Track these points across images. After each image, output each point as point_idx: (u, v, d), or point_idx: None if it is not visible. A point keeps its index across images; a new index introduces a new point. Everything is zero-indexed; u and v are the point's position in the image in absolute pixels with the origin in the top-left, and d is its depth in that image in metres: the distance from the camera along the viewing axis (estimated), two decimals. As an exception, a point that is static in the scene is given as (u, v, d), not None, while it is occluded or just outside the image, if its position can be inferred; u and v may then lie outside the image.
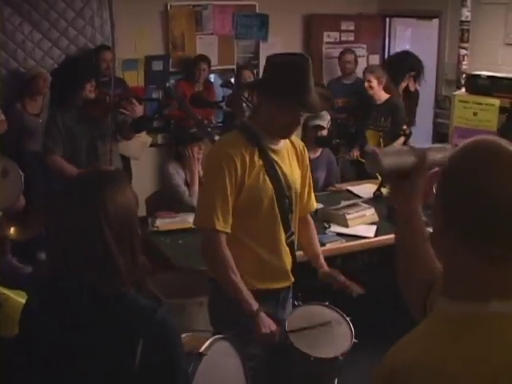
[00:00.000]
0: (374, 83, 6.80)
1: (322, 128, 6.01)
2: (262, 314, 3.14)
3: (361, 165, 6.61)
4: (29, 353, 2.06)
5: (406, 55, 7.80)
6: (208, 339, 2.81)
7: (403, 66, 7.37)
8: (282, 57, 3.22)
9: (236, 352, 3.02)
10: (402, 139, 6.42)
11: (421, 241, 1.93)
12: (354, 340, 3.20)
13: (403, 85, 7.40)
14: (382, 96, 6.84)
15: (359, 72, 7.92)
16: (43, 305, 2.06)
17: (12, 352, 2.03)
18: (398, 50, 9.26)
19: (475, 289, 1.47)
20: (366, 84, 6.88)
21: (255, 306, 3.15)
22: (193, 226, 4.92)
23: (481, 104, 5.77)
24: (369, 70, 7.06)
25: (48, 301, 2.05)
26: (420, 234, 1.94)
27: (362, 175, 6.37)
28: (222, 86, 6.75)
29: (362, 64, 8.40)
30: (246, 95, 7.31)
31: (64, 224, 2.04)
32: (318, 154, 6.12)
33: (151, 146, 7.97)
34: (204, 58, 7.82)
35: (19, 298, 3.51)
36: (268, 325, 3.12)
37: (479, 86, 5.83)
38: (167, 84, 5.26)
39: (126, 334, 1.95)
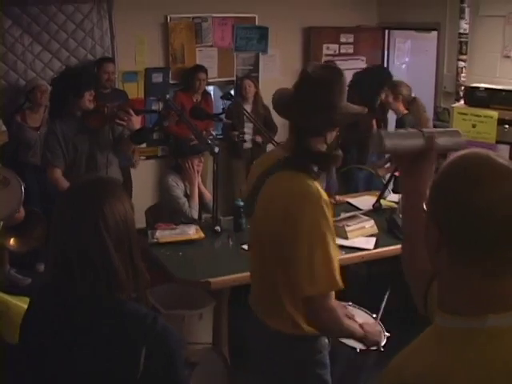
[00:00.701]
0: (390, 98, 6.75)
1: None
2: (366, 328, 3.04)
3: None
4: (29, 362, 2.06)
5: (377, 69, 7.64)
6: (200, 350, 2.86)
7: (374, 81, 7.16)
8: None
9: (223, 362, 3.06)
10: None
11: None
12: (386, 334, 3.20)
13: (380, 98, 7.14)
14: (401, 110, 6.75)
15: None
16: (43, 314, 2.06)
17: (13, 360, 2.03)
18: (398, 62, 9.30)
19: (471, 304, 1.47)
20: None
21: (360, 329, 3.02)
22: (193, 238, 5.01)
23: (479, 116, 5.79)
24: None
25: (48, 310, 2.05)
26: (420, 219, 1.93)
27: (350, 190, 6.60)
28: (222, 98, 6.76)
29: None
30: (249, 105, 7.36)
31: (64, 232, 2.04)
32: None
33: (150, 158, 8.00)
34: (202, 68, 7.84)
35: (22, 303, 3.51)
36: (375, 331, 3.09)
37: (478, 98, 5.85)
38: (167, 96, 5.27)
39: (128, 343, 1.96)
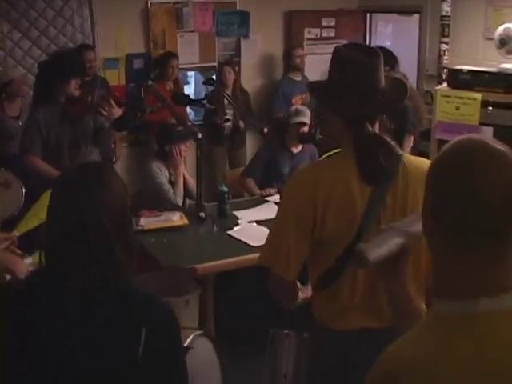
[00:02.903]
0: None
1: (305, 124, 6.01)
2: None
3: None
4: (26, 348, 2.03)
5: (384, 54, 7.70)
6: (190, 334, 2.86)
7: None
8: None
9: (213, 346, 3.06)
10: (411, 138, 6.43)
11: (414, 319, 1.88)
12: None
13: None
14: None
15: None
16: (40, 298, 2.03)
17: (12, 359, 2.00)
18: (379, 45, 9.29)
19: (464, 287, 1.47)
20: None
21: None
22: (177, 224, 4.99)
23: (463, 98, 5.79)
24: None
25: (46, 293, 2.02)
26: (412, 315, 1.92)
27: None
28: (204, 83, 6.73)
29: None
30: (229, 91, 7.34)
31: (63, 217, 2.02)
32: (299, 148, 6.14)
33: (131, 145, 7.95)
34: (174, 55, 7.76)
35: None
36: None
37: (461, 80, 5.85)
38: (149, 82, 5.23)
39: (129, 324, 1.95)
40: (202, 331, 3.01)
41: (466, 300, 1.46)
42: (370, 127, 2.56)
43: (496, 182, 1.41)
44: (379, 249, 1.85)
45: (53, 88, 5.30)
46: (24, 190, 5.06)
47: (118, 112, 5.36)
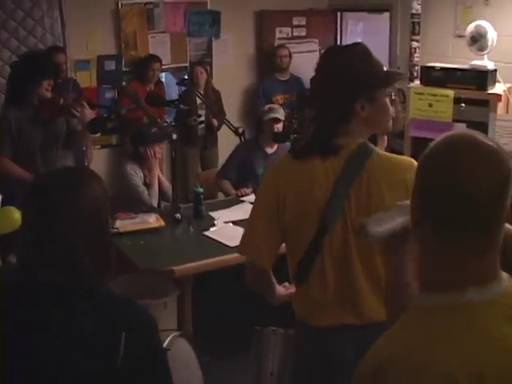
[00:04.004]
0: None
1: (278, 121, 6.02)
2: None
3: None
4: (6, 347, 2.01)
5: None
6: (168, 336, 2.86)
7: None
8: None
9: (192, 348, 3.07)
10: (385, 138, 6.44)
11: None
12: None
13: None
14: None
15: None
16: (14, 304, 2.01)
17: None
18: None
19: (451, 278, 1.49)
20: None
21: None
22: (153, 226, 4.96)
23: (436, 95, 5.83)
24: None
25: (19, 300, 2.00)
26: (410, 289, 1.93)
27: None
28: (178, 84, 6.72)
29: (314, 58, 8.50)
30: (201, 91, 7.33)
31: (32, 221, 2.01)
32: (274, 148, 6.14)
33: (104, 147, 7.91)
34: (156, 58, 7.77)
35: None
36: None
37: (433, 77, 5.89)
38: (123, 83, 5.20)
39: (107, 329, 1.93)
40: (179, 332, 3.01)
41: (452, 291, 1.48)
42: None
43: (481, 176, 1.44)
44: (382, 225, 1.87)
45: (25, 89, 5.25)
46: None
47: (90, 114, 5.33)
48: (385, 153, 2.72)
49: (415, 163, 1.94)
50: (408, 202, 1.90)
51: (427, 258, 1.55)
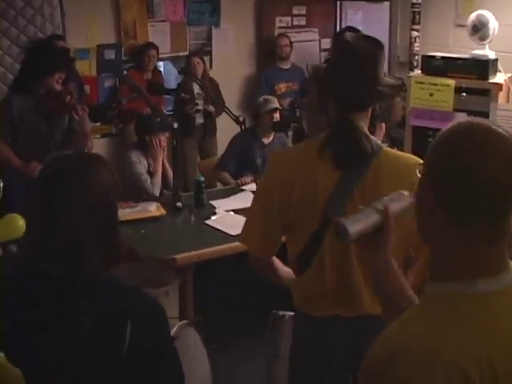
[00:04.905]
0: None
1: (276, 111, 6.04)
2: None
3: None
4: (7, 346, 2.01)
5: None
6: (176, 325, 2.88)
7: None
8: None
9: (200, 336, 3.13)
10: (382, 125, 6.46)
11: (399, 292, 1.91)
12: None
13: None
14: None
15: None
16: (14, 304, 2.01)
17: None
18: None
19: (462, 268, 1.49)
20: None
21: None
22: (154, 215, 4.97)
23: (436, 85, 5.82)
24: None
25: (26, 290, 2.00)
26: (398, 287, 1.92)
27: None
28: (179, 72, 6.70)
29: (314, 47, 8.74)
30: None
31: (37, 211, 2.00)
32: (271, 138, 6.17)
33: (104, 136, 7.88)
34: (152, 46, 7.72)
35: None
36: None
37: (434, 66, 5.87)
38: (124, 72, 5.18)
39: (113, 317, 1.93)
40: (187, 321, 3.02)
41: (464, 281, 1.48)
42: (355, 117, 2.60)
43: (491, 163, 1.44)
44: (359, 223, 1.87)
45: (36, 77, 5.22)
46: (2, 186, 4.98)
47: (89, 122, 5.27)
48: (392, 150, 2.74)
49: (421, 161, 1.95)
50: (385, 197, 1.93)
51: (438, 248, 1.55)
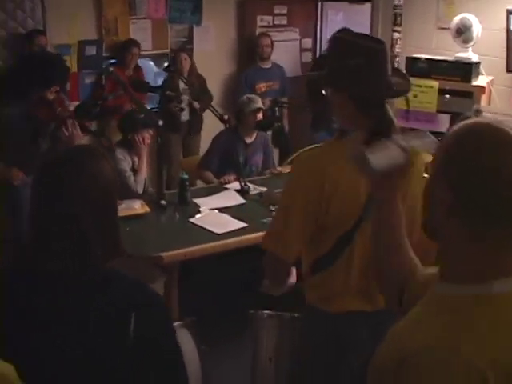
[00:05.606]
0: None
1: (260, 110, 6.04)
2: None
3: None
4: (7, 346, 1.99)
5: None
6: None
7: None
8: None
9: (192, 337, 3.16)
10: None
11: (399, 236, 1.92)
12: None
13: None
14: None
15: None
16: (20, 294, 1.99)
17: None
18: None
19: (476, 271, 1.49)
20: None
21: None
22: (139, 212, 4.93)
23: (420, 86, 5.88)
24: None
25: (26, 290, 1.98)
26: (399, 230, 1.93)
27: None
28: (164, 70, 6.68)
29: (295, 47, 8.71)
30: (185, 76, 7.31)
31: (39, 206, 1.98)
32: (253, 138, 6.16)
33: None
34: (135, 43, 7.69)
35: None
36: None
37: (418, 68, 5.95)
38: (110, 69, 5.14)
39: (118, 311, 1.91)
40: (181, 322, 3.01)
41: (478, 282, 1.48)
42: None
43: (503, 165, 1.44)
44: (381, 156, 1.82)
45: (30, 90, 5.07)
46: None
47: (79, 137, 5.13)
48: None
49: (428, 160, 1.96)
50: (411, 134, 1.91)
51: (450, 249, 1.54)
